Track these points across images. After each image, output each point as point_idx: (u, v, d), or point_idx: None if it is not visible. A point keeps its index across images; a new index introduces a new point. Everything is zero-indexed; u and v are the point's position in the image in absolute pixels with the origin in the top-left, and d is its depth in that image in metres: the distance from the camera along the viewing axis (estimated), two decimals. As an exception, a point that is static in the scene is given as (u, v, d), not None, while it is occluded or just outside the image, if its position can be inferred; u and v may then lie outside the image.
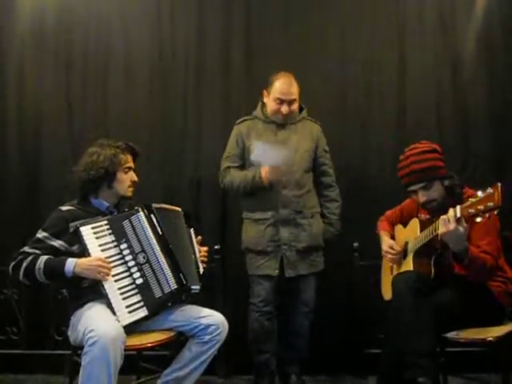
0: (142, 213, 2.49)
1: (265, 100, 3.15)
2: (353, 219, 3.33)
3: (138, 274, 2.43)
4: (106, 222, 2.45)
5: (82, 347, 2.23)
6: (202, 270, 2.64)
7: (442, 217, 2.29)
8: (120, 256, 2.44)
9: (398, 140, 3.46)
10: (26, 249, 2.40)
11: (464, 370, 2.95)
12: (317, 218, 3.13)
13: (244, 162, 3.15)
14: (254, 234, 3.08)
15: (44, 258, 2.35)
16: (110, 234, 2.45)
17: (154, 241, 2.46)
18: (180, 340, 2.55)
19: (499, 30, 3.49)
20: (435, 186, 2.57)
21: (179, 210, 2.69)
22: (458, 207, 2.25)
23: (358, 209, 3.39)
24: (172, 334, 2.49)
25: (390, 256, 2.80)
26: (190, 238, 2.68)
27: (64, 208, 2.51)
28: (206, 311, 2.52)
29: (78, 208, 2.52)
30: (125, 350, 2.23)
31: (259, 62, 3.58)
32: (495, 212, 2.13)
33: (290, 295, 3.12)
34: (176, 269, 2.45)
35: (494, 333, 2.40)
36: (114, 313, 2.32)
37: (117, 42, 3.65)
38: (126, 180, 2.58)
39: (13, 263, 2.38)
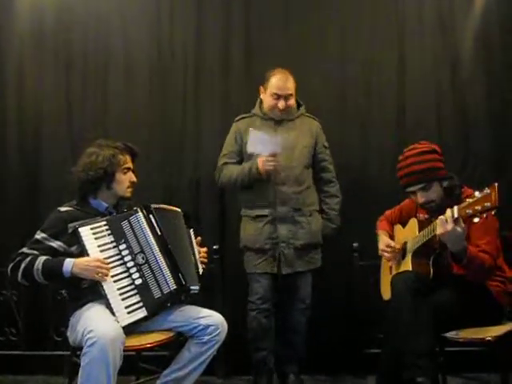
0: (140, 213, 2.50)
1: (261, 96, 3.16)
2: (352, 219, 3.33)
3: (137, 275, 2.43)
4: (104, 222, 2.46)
5: (81, 348, 2.23)
6: (201, 271, 2.64)
7: (440, 217, 2.29)
8: (119, 257, 2.44)
9: (398, 140, 3.46)
10: (25, 250, 2.40)
11: (463, 369, 2.95)
12: (315, 216, 3.13)
13: (242, 158, 3.15)
14: (251, 231, 3.09)
15: (42, 258, 2.36)
16: (108, 235, 2.45)
17: (152, 241, 2.47)
18: (179, 340, 2.55)
19: (497, 30, 3.49)
20: (434, 187, 2.57)
21: (179, 210, 2.69)
22: (456, 208, 2.25)
23: (357, 208, 3.39)
24: (171, 334, 2.50)
25: (386, 255, 2.81)
26: (190, 238, 2.68)
27: (63, 209, 2.51)
28: (205, 311, 2.52)
29: (76, 209, 2.52)
30: (124, 351, 2.23)
31: (259, 61, 3.57)
32: (493, 212, 2.13)
33: (287, 292, 3.13)
34: (175, 269, 2.45)
35: (492, 332, 2.41)
36: (113, 313, 2.32)
37: (116, 41, 3.64)
38: (125, 180, 2.58)
39: (11, 264, 2.38)
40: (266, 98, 3.12)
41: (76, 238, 2.39)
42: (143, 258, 2.45)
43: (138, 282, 2.42)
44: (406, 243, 2.76)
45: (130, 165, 2.62)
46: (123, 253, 2.45)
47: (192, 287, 2.50)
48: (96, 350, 2.14)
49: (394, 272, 2.80)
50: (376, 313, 3.07)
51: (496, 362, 2.60)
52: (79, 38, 3.64)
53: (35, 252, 2.39)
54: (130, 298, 2.38)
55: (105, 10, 3.65)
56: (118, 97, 3.63)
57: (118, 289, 2.38)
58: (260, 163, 2.97)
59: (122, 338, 2.23)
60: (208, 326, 2.45)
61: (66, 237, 2.43)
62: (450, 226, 2.25)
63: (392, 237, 2.92)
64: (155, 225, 2.50)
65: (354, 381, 3.32)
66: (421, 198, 2.59)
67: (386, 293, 2.73)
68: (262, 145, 2.93)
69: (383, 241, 2.85)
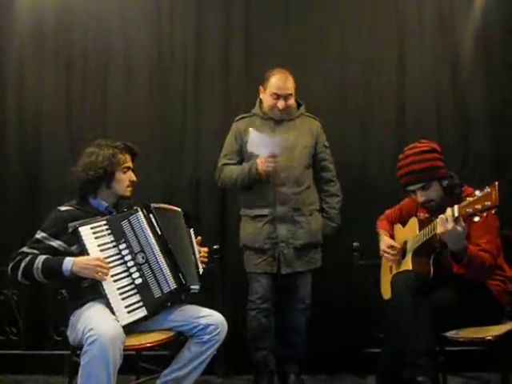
0: (140, 213, 2.50)
1: (261, 96, 3.17)
2: (352, 219, 3.33)
3: (137, 274, 2.43)
4: (104, 222, 2.46)
5: (81, 347, 2.23)
6: (201, 271, 2.63)
7: (440, 216, 2.29)
8: (119, 256, 2.44)
9: (398, 140, 3.46)
10: (25, 249, 2.41)
11: (463, 369, 2.95)
12: (315, 216, 3.13)
13: (242, 159, 3.15)
14: (251, 230, 3.09)
15: (42, 257, 2.36)
16: (109, 234, 2.45)
17: (152, 241, 2.47)
18: (179, 340, 2.55)
19: (497, 30, 3.49)
20: (434, 186, 2.57)
21: (179, 210, 2.69)
22: (456, 207, 2.25)
23: (357, 208, 3.39)
24: (171, 333, 2.50)
25: (388, 255, 2.80)
26: (190, 238, 2.68)
27: (63, 208, 2.51)
28: (206, 311, 2.52)
29: (76, 208, 2.52)
30: (124, 350, 2.24)
31: (259, 61, 3.57)
32: (493, 211, 2.13)
33: (287, 292, 3.13)
34: (175, 269, 2.45)
35: (493, 332, 2.41)
36: (113, 313, 2.32)
37: (116, 41, 3.65)
38: (125, 180, 2.58)
39: (11, 263, 2.38)
40: (266, 97, 3.12)
41: (76, 238, 2.39)
42: (143, 258, 2.45)
43: (138, 281, 2.42)
44: (406, 242, 2.76)
45: (129, 164, 2.62)
46: (123, 252, 2.45)
47: (192, 287, 2.50)
48: (96, 349, 2.14)
49: (394, 271, 2.80)
50: (376, 312, 3.07)
51: (496, 361, 2.61)
52: (79, 38, 3.64)
53: (35, 251, 2.39)
54: (130, 298, 2.38)
55: (105, 10, 3.65)
56: (117, 97, 3.63)
57: (118, 288, 2.38)
58: (259, 164, 2.97)
59: (122, 338, 2.23)
60: (208, 326, 2.45)
61: (66, 236, 2.43)
62: (450, 225, 2.25)
63: (392, 236, 2.92)
64: (155, 224, 2.50)
65: (354, 380, 3.32)
66: (420, 197, 2.59)
67: (387, 292, 2.73)
68: (261, 145, 2.93)
69: (384, 241, 2.85)
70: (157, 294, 2.42)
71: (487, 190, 2.13)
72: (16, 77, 3.64)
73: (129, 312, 2.35)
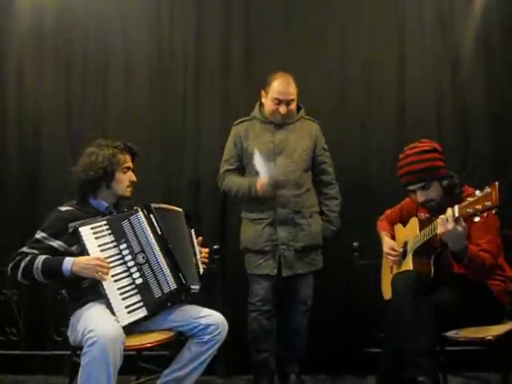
0: (141, 213, 2.50)
1: (263, 100, 3.15)
2: (353, 219, 3.33)
3: (137, 274, 2.43)
4: (105, 222, 2.45)
5: (81, 347, 2.23)
6: (201, 271, 2.63)
7: (441, 216, 2.29)
8: (119, 256, 2.44)
9: (398, 140, 3.46)
10: (25, 249, 2.40)
11: (464, 368, 2.95)
12: (315, 218, 3.13)
13: (242, 163, 3.16)
14: (251, 233, 3.08)
15: (42, 257, 2.36)
16: (109, 235, 2.45)
17: (153, 241, 2.47)
18: (179, 340, 2.55)
19: (497, 29, 3.49)
20: (434, 186, 2.57)
21: (180, 210, 2.69)
22: (456, 207, 2.25)
23: (357, 208, 3.39)
24: (171, 334, 2.50)
25: (390, 258, 2.80)
26: (191, 238, 2.68)
27: (63, 208, 2.51)
28: (206, 311, 2.52)
29: (76, 208, 2.52)
30: (124, 350, 2.23)
31: (259, 61, 3.57)
32: (493, 211, 2.13)
33: (288, 294, 3.12)
34: (175, 269, 2.45)
35: (493, 332, 2.41)
36: (113, 313, 2.32)
37: (116, 41, 3.64)
38: (125, 180, 2.58)
39: (11, 263, 2.38)
40: (268, 102, 3.11)
41: (76, 238, 2.39)
42: (143, 258, 2.45)
43: (139, 281, 2.42)
44: (406, 242, 2.76)
45: (129, 164, 2.62)
46: (123, 252, 2.44)
47: (192, 287, 2.50)
48: (96, 350, 2.14)
49: (394, 271, 2.79)
50: (376, 312, 3.07)
51: (496, 361, 2.61)
52: (79, 38, 3.64)
53: (35, 251, 2.39)
54: (131, 298, 2.38)
55: (105, 10, 3.65)
56: (117, 97, 3.63)
57: (119, 288, 2.37)
58: (259, 187, 2.98)
59: (122, 338, 2.22)
60: (208, 326, 2.45)
61: (66, 236, 2.43)
62: (450, 225, 2.25)
63: (393, 236, 2.92)
64: (156, 224, 2.50)
65: (355, 380, 3.31)
66: (420, 196, 2.59)
67: (387, 292, 2.73)
68: (263, 169, 2.93)
69: (387, 243, 2.85)
70: (157, 294, 2.42)
71: (487, 190, 2.13)
72: (16, 77, 3.64)
73: (129, 312, 2.35)
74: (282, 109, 3.05)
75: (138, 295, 2.40)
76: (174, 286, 2.43)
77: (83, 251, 2.38)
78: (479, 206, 2.15)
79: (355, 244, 3.40)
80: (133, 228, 2.48)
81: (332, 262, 3.29)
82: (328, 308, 3.36)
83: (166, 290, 2.42)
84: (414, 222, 2.74)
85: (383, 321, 2.69)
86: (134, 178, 2.63)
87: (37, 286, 2.70)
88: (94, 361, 2.14)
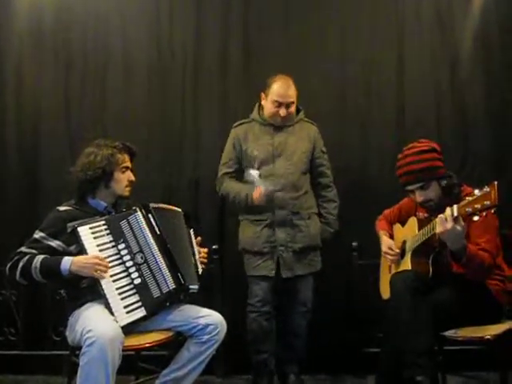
0: (139, 213, 2.49)
1: (263, 102, 3.15)
2: (352, 219, 3.33)
3: (136, 274, 2.42)
4: (103, 222, 2.45)
5: (80, 347, 2.23)
6: (200, 271, 2.63)
7: (440, 216, 2.29)
8: (118, 256, 2.43)
9: (397, 140, 3.46)
10: (23, 249, 2.40)
11: (462, 368, 2.95)
12: (314, 219, 3.13)
13: (241, 165, 3.15)
14: (250, 234, 3.08)
15: (40, 257, 2.36)
16: (107, 234, 2.45)
17: (151, 241, 2.46)
18: (178, 340, 2.54)
19: (496, 29, 3.49)
20: (432, 186, 2.57)
21: (179, 210, 2.69)
22: (455, 206, 2.25)
23: (357, 208, 3.39)
24: (170, 334, 2.49)
25: (389, 257, 2.80)
26: (190, 238, 2.68)
27: (61, 208, 2.51)
28: (205, 311, 2.52)
29: (75, 208, 2.52)
30: (123, 351, 2.23)
31: (258, 61, 3.57)
32: (492, 210, 2.13)
33: (287, 295, 3.13)
34: (174, 269, 2.45)
35: (491, 331, 2.41)
36: (112, 313, 2.31)
37: (115, 40, 3.65)
38: (124, 180, 2.58)
39: (9, 263, 2.38)
40: (267, 104, 3.10)
41: (75, 238, 2.39)
42: (142, 258, 2.45)
43: (137, 281, 2.41)
44: (405, 242, 2.76)
45: (128, 164, 2.62)
46: (122, 252, 2.44)
47: (191, 287, 2.50)
48: (95, 350, 2.14)
49: (393, 271, 2.79)
50: (375, 312, 3.07)
51: (495, 360, 2.61)
52: (78, 37, 3.64)
53: (33, 251, 2.39)
54: (129, 298, 2.38)
55: (104, 10, 3.65)
56: (116, 96, 3.63)
57: (117, 288, 2.37)
58: (255, 198, 2.98)
59: (120, 338, 2.22)
60: (207, 326, 2.45)
61: (64, 236, 2.43)
62: (449, 225, 2.25)
63: (391, 236, 2.92)
64: (154, 224, 2.49)
65: (354, 380, 3.32)
66: (419, 196, 2.59)
67: (386, 292, 2.73)
68: (257, 182, 2.96)
69: (385, 242, 2.85)
70: (156, 294, 2.42)
71: (486, 189, 2.13)
72: (15, 76, 3.64)
73: (128, 312, 2.35)
74: (282, 111, 3.05)
75: (137, 295, 2.39)
76: (172, 285, 2.43)
77: (82, 251, 2.38)
78: (478, 206, 2.15)
79: (354, 244, 3.40)
80: (131, 228, 2.48)
81: (331, 261, 3.29)
82: (327, 308, 3.36)
83: (165, 289, 2.42)
84: (412, 222, 2.74)
85: (382, 320, 2.68)
86: (133, 178, 2.63)
87: (35, 285, 2.70)
88: (93, 361, 2.14)
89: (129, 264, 2.43)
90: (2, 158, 3.63)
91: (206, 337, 2.44)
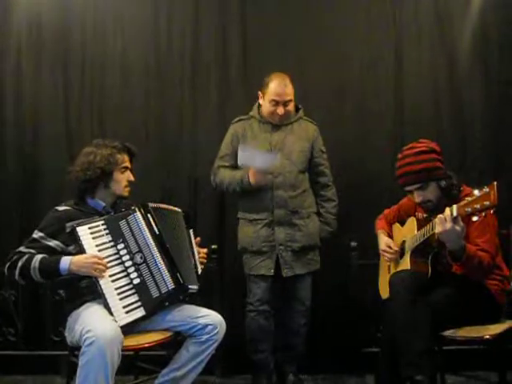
0: (138, 213, 2.49)
1: (260, 101, 3.15)
2: (350, 218, 3.33)
3: (135, 274, 2.42)
4: (102, 222, 2.45)
5: (79, 348, 2.23)
6: (200, 271, 2.63)
7: (439, 216, 2.29)
8: (117, 256, 2.43)
9: (396, 139, 3.47)
10: (22, 249, 2.40)
11: (462, 367, 2.97)
12: (313, 218, 3.13)
13: (235, 161, 3.12)
14: (249, 233, 3.08)
15: (39, 256, 2.35)
16: (106, 234, 2.44)
17: (150, 241, 2.46)
18: (177, 340, 2.55)
19: (495, 27, 3.49)
20: (431, 187, 2.57)
21: (179, 210, 2.68)
22: (455, 206, 2.25)
23: (355, 207, 3.40)
24: (169, 334, 2.49)
25: (387, 255, 2.80)
26: (190, 238, 2.68)
27: (60, 208, 2.51)
28: (204, 311, 2.52)
29: (74, 208, 2.52)
30: (122, 351, 2.23)
31: (256, 62, 3.56)
32: (491, 211, 2.14)
33: (286, 294, 3.13)
34: (173, 269, 2.44)
35: (490, 331, 2.42)
36: (111, 313, 2.31)
37: (113, 41, 3.63)
38: (123, 180, 2.58)
39: (8, 263, 2.38)
40: (265, 103, 3.09)
41: (74, 238, 2.39)
42: (141, 258, 2.45)
43: (136, 281, 2.41)
44: (404, 242, 2.76)
45: (127, 164, 2.62)
46: (121, 252, 2.44)
47: (190, 287, 2.49)
48: (94, 350, 2.14)
49: (392, 271, 2.80)
50: (374, 312, 3.07)
51: (494, 360, 2.61)
52: (76, 38, 3.62)
53: (32, 251, 2.38)
54: (128, 298, 2.38)
55: (102, 10, 3.63)
56: (115, 96, 3.62)
57: (116, 288, 2.37)
58: (251, 176, 2.97)
59: (120, 338, 2.22)
60: (206, 326, 2.44)
61: (63, 236, 2.43)
62: (448, 225, 2.25)
63: (390, 236, 2.92)
64: (153, 224, 2.49)
65: (353, 380, 3.31)
66: (418, 197, 2.59)
67: (385, 292, 2.73)
68: (252, 159, 2.92)
69: (384, 241, 2.85)
70: (155, 294, 2.41)
71: (486, 189, 2.13)
72: (13, 76, 3.62)
73: (127, 312, 2.35)
74: (280, 110, 3.04)
75: (136, 295, 2.39)
76: (171, 285, 2.42)
77: (80, 251, 2.37)
78: (478, 206, 2.15)
79: (353, 244, 3.40)
80: (130, 228, 2.47)
81: (330, 261, 3.29)
82: (326, 307, 3.37)
83: (164, 289, 2.42)
84: (411, 222, 2.74)
85: (381, 320, 2.69)
86: (132, 178, 2.63)
87: (34, 285, 2.70)
88: (92, 361, 2.14)
89: (128, 264, 2.43)
90: (0, 158, 3.62)
91: (205, 337, 2.44)
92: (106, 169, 2.52)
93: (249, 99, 3.31)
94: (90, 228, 2.41)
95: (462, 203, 2.22)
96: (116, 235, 2.45)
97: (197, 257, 2.66)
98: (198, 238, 2.74)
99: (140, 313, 2.37)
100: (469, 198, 2.19)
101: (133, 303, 2.38)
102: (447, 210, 2.28)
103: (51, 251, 2.41)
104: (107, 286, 2.35)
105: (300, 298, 3.11)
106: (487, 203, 2.12)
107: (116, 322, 2.28)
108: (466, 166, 3.45)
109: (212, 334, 2.45)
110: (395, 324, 2.43)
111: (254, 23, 3.61)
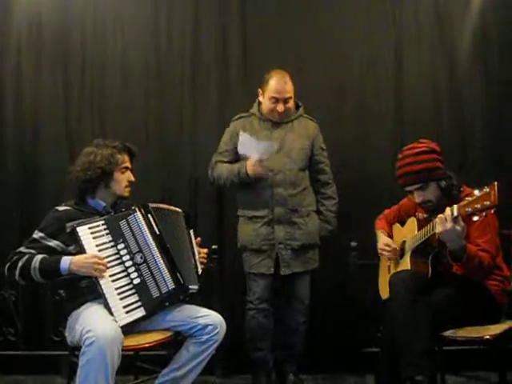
0: (138, 213, 2.49)
1: (260, 99, 3.15)
2: (350, 218, 3.33)
3: (135, 274, 2.42)
4: (102, 222, 2.45)
5: (79, 348, 2.23)
6: (200, 271, 2.63)
7: (440, 216, 2.29)
8: (117, 256, 2.43)
9: (396, 139, 3.47)
10: (22, 249, 2.40)
11: (462, 368, 2.96)
12: (312, 216, 3.13)
13: (236, 158, 3.14)
14: (249, 232, 3.09)
15: (39, 257, 2.35)
16: (107, 234, 2.44)
17: (151, 241, 2.46)
18: (178, 340, 2.54)
19: (495, 26, 3.49)
20: (431, 187, 2.57)
21: (179, 210, 2.68)
22: (455, 206, 2.25)
23: (355, 207, 3.40)
24: (170, 334, 2.49)
25: (385, 254, 2.80)
26: (190, 238, 2.68)
27: (60, 208, 2.51)
28: (204, 311, 2.52)
29: (74, 208, 2.52)
30: (122, 351, 2.23)
31: (256, 60, 3.56)
32: (492, 211, 2.14)
33: (285, 292, 3.13)
34: (173, 269, 2.44)
35: (491, 331, 2.42)
36: (111, 313, 2.31)
37: (113, 41, 3.63)
38: (123, 180, 2.58)
39: (8, 263, 2.38)
40: (265, 101, 3.10)
41: (74, 238, 2.39)
42: (141, 258, 2.44)
43: (137, 281, 2.41)
44: (404, 242, 2.76)
45: (128, 164, 2.62)
46: (121, 252, 2.44)
47: (190, 287, 2.49)
48: (94, 350, 2.14)
49: (392, 271, 2.79)
50: (374, 312, 3.07)
51: (494, 360, 2.61)
52: (76, 38, 3.62)
53: (32, 251, 2.38)
54: (129, 298, 2.38)
55: (102, 10, 3.63)
56: (115, 96, 3.62)
57: (116, 288, 2.37)
58: (249, 166, 2.97)
59: (120, 338, 2.22)
60: (206, 326, 2.44)
61: (63, 236, 2.43)
62: (449, 225, 2.25)
63: (390, 236, 2.92)
64: (153, 224, 2.49)
65: (353, 380, 3.31)
66: (418, 197, 2.59)
67: (385, 292, 2.73)
68: (251, 148, 2.93)
69: (382, 239, 2.85)
70: (155, 294, 2.41)
71: (486, 189, 2.13)
72: (13, 77, 3.62)
73: (127, 312, 2.35)
74: (280, 107, 3.05)
75: (136, 295, 2.39)
76: (172, 286, 2.42)
77: (81, 251, 2.37)
78: (478, 206, 2.15)
79: (353, 243, 3.40)
80: (130, 228, 2.47)
81: (330, 261, 3.29)
82: (326, 307, 3.37)
83: (164, 289, 2.42)
84: (412, 222, 2.74)
85: (381, 320, 2.68)
86: (133, 178, 2.63)
87: (34, 285, 2.70)
88: (92, 361, 2.14)
89: (128, 264, 2.43)
90: (0, 158, 3.61)
91: (205, 337, 2.44)
92: (107, 169, 2.52)
93: (249, 99, 3.30)
94: (90, 228, 2.41)
95: (463, 203, 2.22)
96: (116, 235, 2.45)
97: (197, 257, 2.66)
98: (199, 239, 2.74)
99: (140, 313, 2.37)
100: (469, 198, 2.19)
101: (133, 303, 2.38)
102: (448, 209, 2.28)
103: (51, 251, 2.41)
104: (107, 285, 2.35)
105: (299, 297, 3.12)
106: (488, 203, 2.12)
107: (116, 321, 2.28)
108: (467, 166, 3.45)
109: (212, 334, 2.45)
110: (395, 324, 2.43)
111: (254, 23, 3.61)
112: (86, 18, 3.62)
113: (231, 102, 3.56)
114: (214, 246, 3.39)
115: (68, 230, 2.40)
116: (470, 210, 2.18)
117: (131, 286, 2.40)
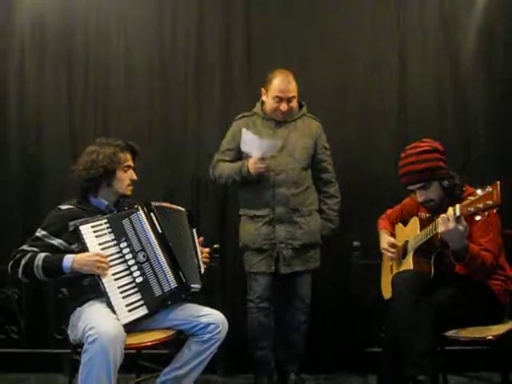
0: (141, 211, 2.49)
1: (263, 98, 3.15)
2: (353, 217, 3.33)
3: (137, 273, 2.42)
4: (105, 220, 2.46)
5: (81, 345, 2.23)
6: (202, 270, 2.63)
7: (442, 215, 2.29)
8: (120, 255, 2.44)
9: (399, 138, 3.47)
10: (25, 247, 2.41)
11: (464, 368, 2.95)
12: (314, 216, 3.13)
13: (238, 157, 3.14)
14: (250, 231, 3.09)
15: (42, 255, 2.36)
16: (109, 233, 2.45)
17: (153, 239, 2.46)
18: (180, 339, 2.54)
19: (499, 26, 3.49)
20: (433, 186, 2.56)
21: (182, 209, 2.68)
22: (458, 206, 2.25)
23: (358, 207, 3.40)
24: (172, 332, 2.49)
25: (388, 253, 2.80)
26: (193, 237, 2.68)
27: (63, 207, 2.52)
28: (206, 310, 2.52)
29: (77, 207, 2.52)
30: (124, 349, 2.23)
31: (260, 60, 3.57)
32: (494, 210, 2.13)
33: (286, 292, 3.13)
34: (176, 267, 2.44)
35: (493, 331, 2.41)
36: (113, 311, 2.32)
37: (117, 41, 3.64)
38: (126, 178, 2.59)
39: (11, 261, 2.38)
40: (268, 100, 3.10)
41: (77, 236, 2.39)
42: (144, 256, 2.45)
43: (139, 280, 2.41)
44: (407, 242, 2.75)
45: (130, 163, 2.62)
46: (124, 251, 2.44)
47: (193, 286, 2.49)
48: (97, 347, 2.15)
49: (394, 271, 2.79)
50: (377, 312, 3.07)
51: (497, 360, 2.60)
52: (80, 38, 3.63)
53: (35, 249, 2.39)
54: (131, 296, 2.38)
55: (106, 10, 3.64)
56: (119, 96, 3.63)
57: (119, 287, 2.37)
58: (250, 165, 2.98)
59: (122, 337, 2.23)
60: (208, 325, 2.44)
61: (66, 235, 2.43)
62: (451, 224, 2.25)
63: (393, 235, 2.91)
64: (156, 223, 2.49)
65: (355, 379, 3.31)
66: (420, 196, 2.59)
67: (387, 292, 2.73)
68: (254, 146, 2.93)
69: (385, 239, 2.85)
70: (157, 292, 2.41)
71: (489, 189, 2.13)
72: (17, 77, 3.63)
73: (129, 310, 2.35)
74: (283, 106, 3.05)
75: (139, 294, 2.40)
76: (174, 284, 2.42)
77: (83, 249, 2.38)
78: (481, 205, 2.15)
79: (356, 243, 3.39)
80: (133, 227, 2.48)
81: (333, 260, 3.29)
82: (329, 307, 3.37)
83: (167, 288, 2.42)
84: (414, 222, 2.74)
85: (384, 320, 2.68)
86: (135, 177, 2.64)
87: (37, 284, 2.70)
88: (95, 359, 2.15)
89: (131, 262, 2.43)
90: (3, 158, 3.62)
91: (207, 335, 2.44)
92: (109, 167, 2.52)
93: (252, 99, 3.30)
94: (92, 227, 2.42)
95: (465, 203, 2.21)
96: (119, 234, 2.45)
97: (200, 256, 2.66)
98: (202, 238, 2.74)
99: (143, 311, 2.38)
100: (472, 198, 2.19)
101: (135, 302, 2.38)
102: (450, 209, 2.27)
103: (54, 250, 2.42)
104: (110, 284, 2.36)
105: (300, 296, 3.12)
106: (490, 203, 2.11)
107: (119, 320, 2.29)
108: (470, 165, 3.45)
109: (214, 333, 2.45)
110: (398, 324, 2.42)
111: (259, 23, 3.62)
112: (89, 18, 3.64)
113: (235, 102, 3.56)
114: (215, 245, 3.39)
115: (71, 229, 2.41)
116: (472, 209, 2.17)
117: (134, 284, 2.41)
